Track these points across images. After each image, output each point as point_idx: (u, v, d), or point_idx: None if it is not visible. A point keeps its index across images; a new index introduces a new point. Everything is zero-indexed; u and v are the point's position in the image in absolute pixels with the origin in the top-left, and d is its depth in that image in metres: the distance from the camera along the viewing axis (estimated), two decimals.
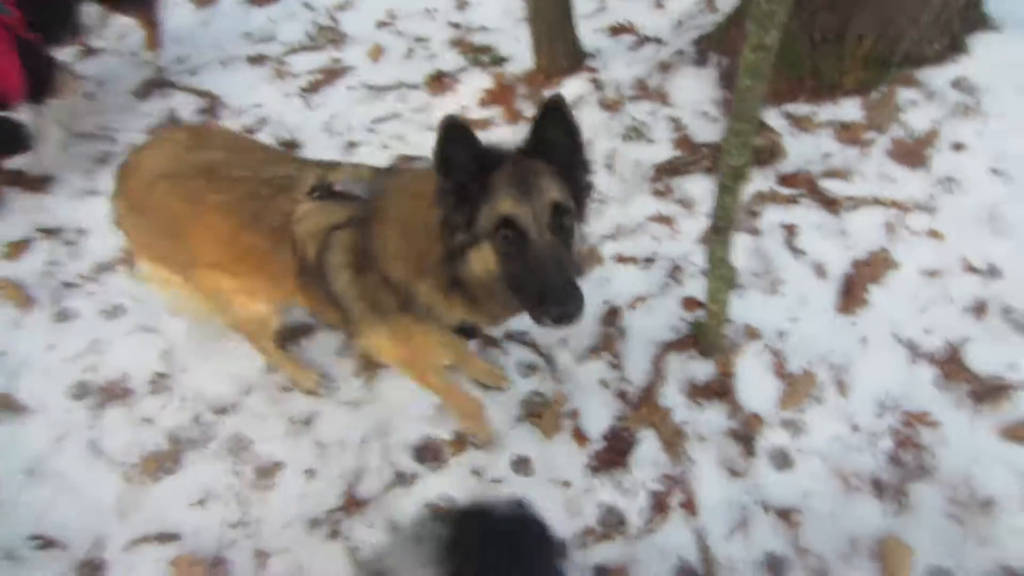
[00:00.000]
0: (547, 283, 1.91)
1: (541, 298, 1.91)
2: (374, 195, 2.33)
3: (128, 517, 3.02)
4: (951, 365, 3.11)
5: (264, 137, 4.44)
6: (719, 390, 3.11)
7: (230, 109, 4.76)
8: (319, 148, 4.37)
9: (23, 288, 3.79)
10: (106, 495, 3.07)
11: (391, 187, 2.34)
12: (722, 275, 2.77)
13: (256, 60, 5.09)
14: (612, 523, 2.85)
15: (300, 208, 2.37)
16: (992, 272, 3.34)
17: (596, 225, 3.74)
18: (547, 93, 4.24)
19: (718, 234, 2.62)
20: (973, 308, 3.25)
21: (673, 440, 2.99)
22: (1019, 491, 2.78)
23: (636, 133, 4.12)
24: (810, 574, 2.70)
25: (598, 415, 3.12)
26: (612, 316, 3.41)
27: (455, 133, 1.92)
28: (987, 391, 3.03)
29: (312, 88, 4.81)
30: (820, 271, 3.43)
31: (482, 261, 2.03)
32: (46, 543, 2.96)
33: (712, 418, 3.06)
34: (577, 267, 2.08)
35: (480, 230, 2.00)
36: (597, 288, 3.49)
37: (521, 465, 3.02)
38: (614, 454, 3.00)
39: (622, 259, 3.59)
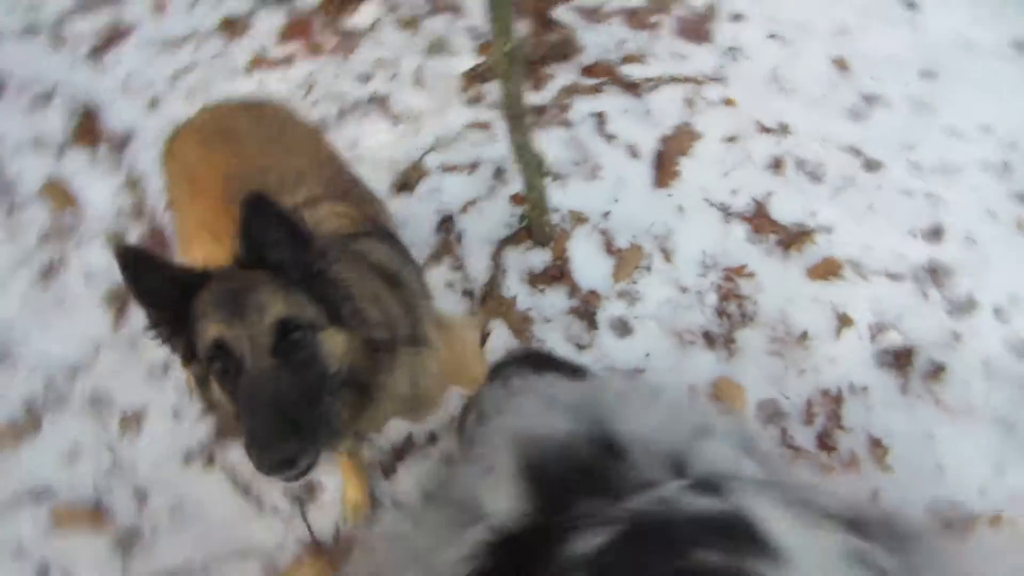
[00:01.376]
0: (251, 422, 1.53)
1: (248, 438, 1.52)
2: None
3: None
4: (759, 220, 3.36)
5: (58, 108, 4.12)
6: (557, 274, 3.24)
7: (12, 88, 4.36)
8: (122, 111, 4.11)
9: None
10: None
11: None
12: (528, 162, 2.84)
13: (28, 31, 4.65)
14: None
15: None
16: (783, 130, 3.60)
17: (417, 140, 3.75)
18: (347, 22, 4.24)
19: (513, 123, 2.67)
20: (771, 165, 3.50)
21: (521, 326, 3.11)
22: (827, 323, 3.10)
23: (438, 46, 4.12)
24: None
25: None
26: (447, 223, 3.45)
27: (136, 264, 1.62)
28: (792, 238, 3.30)
29: (98, 51, 4.47)
30: (633, 152, 3.59)
31: (215, 391, 1.71)
32: None
33: (554, 301, 3.18)
34: (315, 396, 1.64)
35: (202, 357, 1.67)
36: (428, 198, 3.52)
37: None
38: None
39: (447, 168, 3.62)
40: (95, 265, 3.41)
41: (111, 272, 3.36)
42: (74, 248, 3.48)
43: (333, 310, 1.71)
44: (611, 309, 3.17)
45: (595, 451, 0.74)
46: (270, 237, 1.66)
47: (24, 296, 3.37)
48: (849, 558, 0.54)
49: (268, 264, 1.67)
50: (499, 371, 1.58)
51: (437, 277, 3.30)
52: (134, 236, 3.52)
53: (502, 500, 0.70)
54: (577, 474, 0.70)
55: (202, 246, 2.27)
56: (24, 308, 3.35)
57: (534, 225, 3.24)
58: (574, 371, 1.54)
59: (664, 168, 3.54)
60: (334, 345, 1.70)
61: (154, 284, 1.65)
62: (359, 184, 2.61)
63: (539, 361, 1.58)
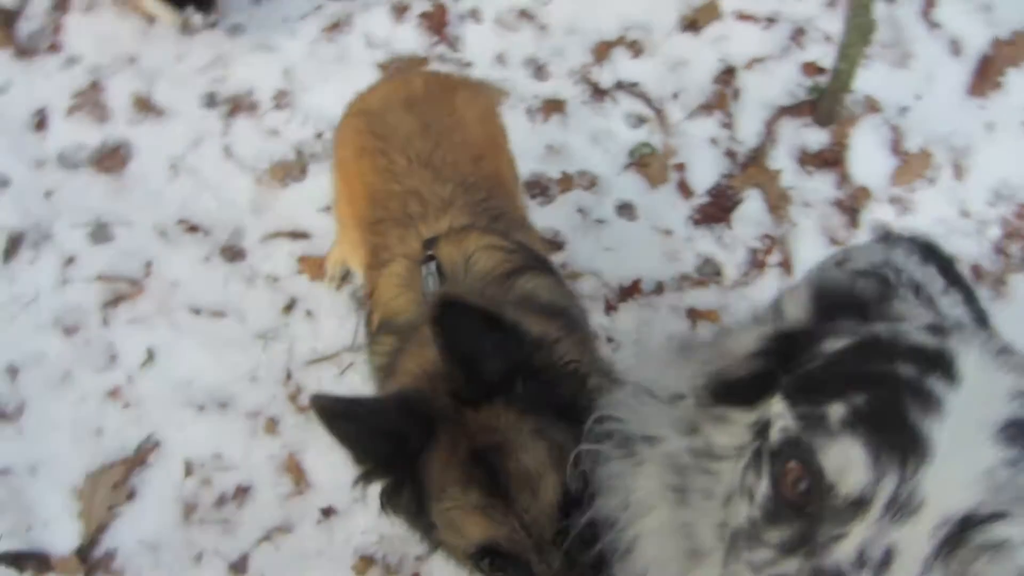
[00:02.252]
0: None
1: None
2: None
3: (262, 214, 3.13)
4: None
5: None
6: (831, 159, 3.00)
7: None
8: None
9: None
10: (241, 194, 3.16)
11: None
12: (860, 25, 2.57)
13: None
14: (709, 272, 2.89)
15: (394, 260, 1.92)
16: None
17: None
18: None
19: None
20: None
21: (778, 203, 2.93)
22: None
23: None
24: None
25: (705, 171, 3.05)
26: (727, 76, 3.23)
27: (336, 414, 1.31)
28: None
29: None
30: (955, 47, 3.17)
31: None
32: (191, 228, 3.10)
33: (820, 186, 2.97)
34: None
35: (461, 554, 1.37)
36: (712, 45, 3.29)
37: (625, 210, 3.00)
38: (718, 209, 2.97)
39: (742, 16, 3.34)
40: (376, 32, 3.47)
41: (389, 43, 3.42)
42: (360, 11, 3.54)
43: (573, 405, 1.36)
44: (878, 212, 2.92)
45: (872, 288, 0.98)
46: (482, 348, 1.28)
47: (311, 44, 3.48)
48: (1014, 396, 0.71)
49: (492, 386, 1.31)
50: None
51: (702, 129, 3.14)
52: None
53: (793, 310, 0.95)
54: (849, 301, 0.93)
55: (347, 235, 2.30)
56: (308, 56, 3.47)
57: (824, 100, 2.98)
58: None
59: (985, 75, 3.12)
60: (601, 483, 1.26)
61: (363, 436, 1.33)
62: (513, 203, 2.22)
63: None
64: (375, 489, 1.40)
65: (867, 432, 0.69)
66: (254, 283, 2.99)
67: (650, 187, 3.03)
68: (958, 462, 0.66)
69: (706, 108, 3.18)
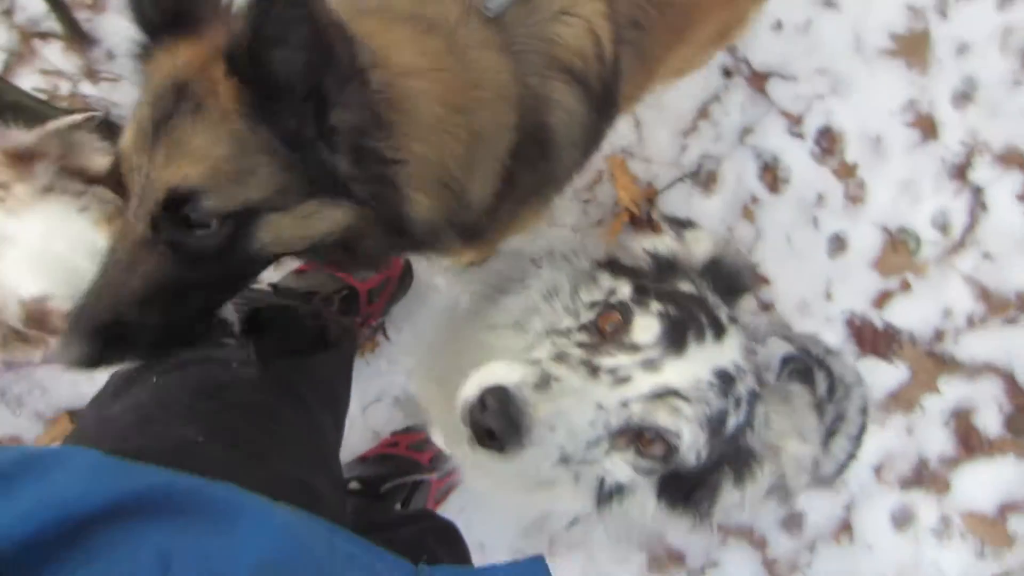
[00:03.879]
0: (86, 292, 1.11)
1: (71, 311, 1.13)
2: None
3: None
4: None
5: None
6: None
7: None
8: None
9: None
10: None
11: None
12: None
13: None
14: None
15: None
16: None
17: None
18: None
19: None
20: None
21: None
22: None
23: None
24: None
25: None
26: None
27: None
28: None
29: None
30: None
31: None
32: None
33: None
34: (180, 298, 1.10)
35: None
36: None
37: None
38: None
39: None
40: None
41: None
42: None
43: (334, 176, 1.07)
44: None
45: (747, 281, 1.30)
46: (282, 30, 0.94)
47: None
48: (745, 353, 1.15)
49: (271, 80, 1.00)
50: None
51: None
52: None
53: (697, 250, 1.28)
54: (728, 280, 1.25)
55: None
56: None
57: None
58: None
59: None
60: (284, 228, 1.09)
61: None
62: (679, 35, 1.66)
63: None
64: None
65: (666, 323, 1.09)
66: None
67: None
68: (685, 368, 1.07)
69: None
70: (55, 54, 2.42)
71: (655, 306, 1.12)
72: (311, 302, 2.11)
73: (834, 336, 2.48)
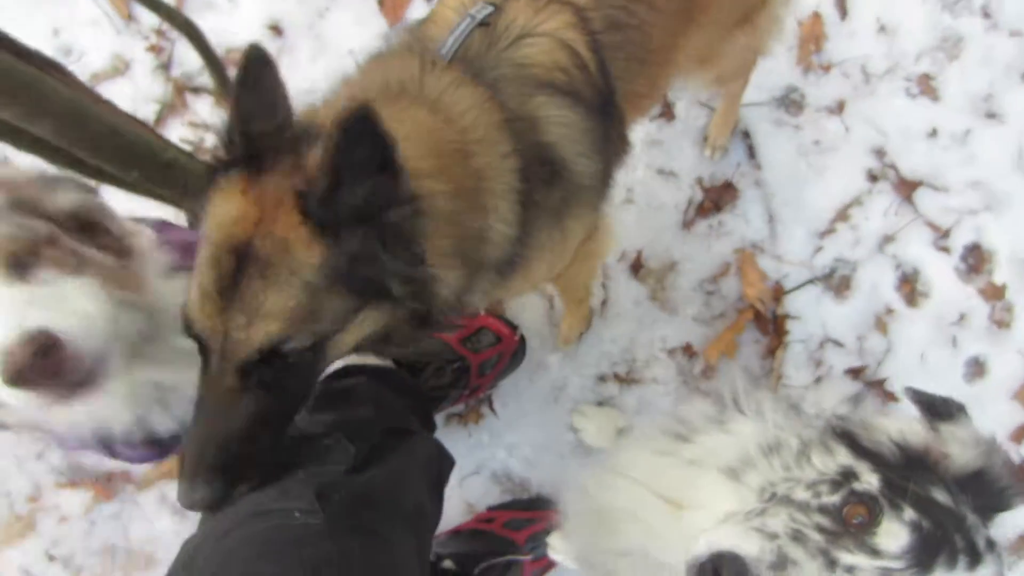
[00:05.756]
0: (188, 439, 1.18)
1: (180, 459, 1.18)
2: None
3: None
4: None
5: None
6: None
7: None
8: None
9: None
10: None
11: None
12: None
13: None
14: None
15: None
16: None
17: None
18: None
19: None
20: None
21: None
22: None
23: None
24: None
25: None
26: None
27: (258, 71, 1.06)
28: None
29: None
30: None
31: None
32: None
33: None
34: (280, 423, 1.21)
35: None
36: None
37: None
38: None
39: None
40: None
41: None
42: None
43: (382, 284, 1.12)
44: None
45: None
46: (356, 167, 1.01)
47: None
48: None
49: (336, 205, 1.04)
50: None
51: None
52: None
53: (959, 452, 1.10)
54: (989, 492, 1.09)
55: None
56: None
57: None
58: None
59: None
60: (346, 342, 1.16)
61: (257, 106, 1.08)
62: (667, 58, 1.63)
63: None
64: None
65: (916, 537, 0.97)
66: None
67: None
68: None
69: None
70: (204, 108, 2.51)
71: (908, 513, 0.99)
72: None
73: None
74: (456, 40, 1.34)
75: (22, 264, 1.17)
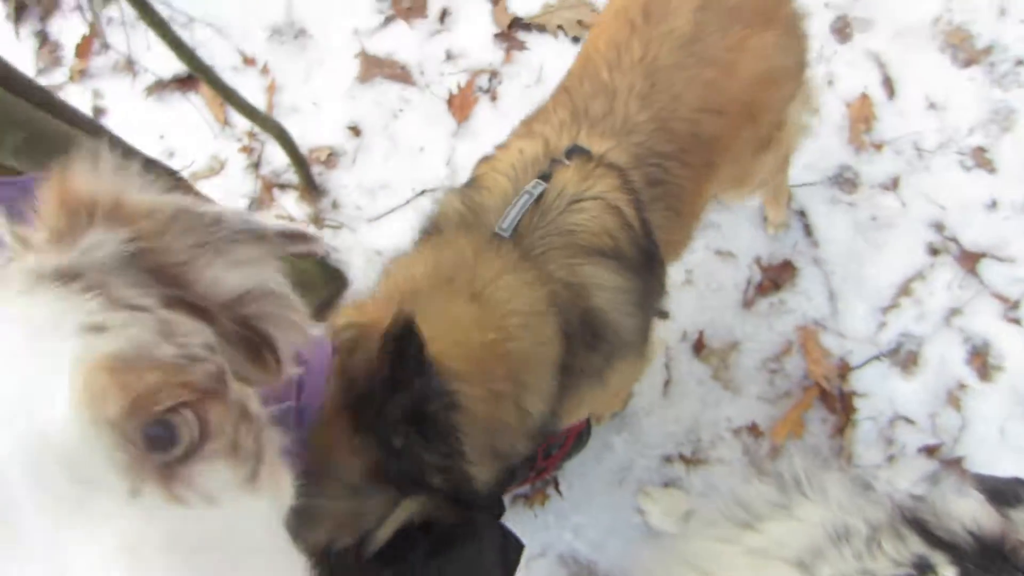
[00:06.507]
0: None
1: None
2: None
3: None
4: None
5: None
6: None
7: None
8: None
9: None
10: None
11: None
12: None
13: None
14: None
15: None
16: None
17: None
18: None
19: None
20: None
21: None
22: None
23: None
24: None
25: None
26: None
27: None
28: None
29: None
30: None
31: None
32: None
33: None
34: None
35: None
36: None
37: None
38: None
39: None
40: None
41: None
42: None
43: (420, 475, 1.12)
44: None
45: None
46: (401, 381, 1.04)
47: None
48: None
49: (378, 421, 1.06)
50: None
51: None
52: None
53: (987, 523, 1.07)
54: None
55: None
56: None
57: None
58: None
59: None
60: (384, 533, 1.17)
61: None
62: (698, 194, 1.64)
63: None
64: None
65: None
66: None
67: None
68: None
69: None
70: (290, 202, 2.70)
71: None
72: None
73: None
74: (515, 218, 1.35)
75: (164, 441, 0.53)
